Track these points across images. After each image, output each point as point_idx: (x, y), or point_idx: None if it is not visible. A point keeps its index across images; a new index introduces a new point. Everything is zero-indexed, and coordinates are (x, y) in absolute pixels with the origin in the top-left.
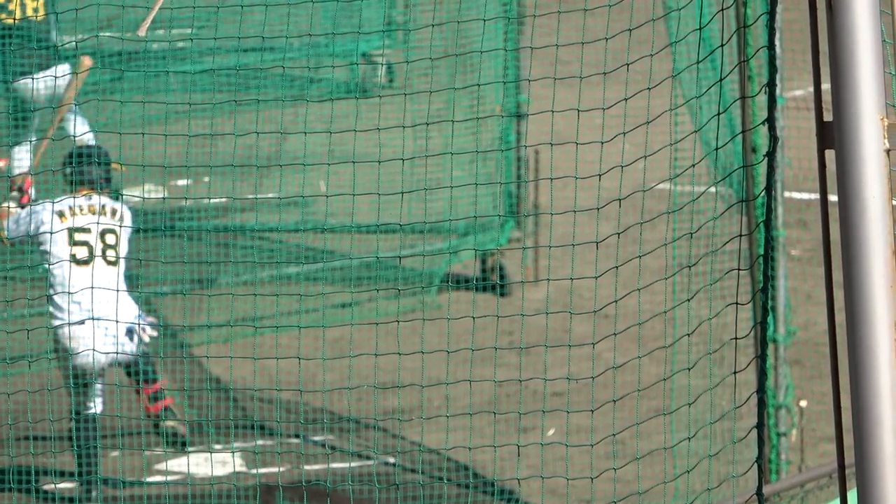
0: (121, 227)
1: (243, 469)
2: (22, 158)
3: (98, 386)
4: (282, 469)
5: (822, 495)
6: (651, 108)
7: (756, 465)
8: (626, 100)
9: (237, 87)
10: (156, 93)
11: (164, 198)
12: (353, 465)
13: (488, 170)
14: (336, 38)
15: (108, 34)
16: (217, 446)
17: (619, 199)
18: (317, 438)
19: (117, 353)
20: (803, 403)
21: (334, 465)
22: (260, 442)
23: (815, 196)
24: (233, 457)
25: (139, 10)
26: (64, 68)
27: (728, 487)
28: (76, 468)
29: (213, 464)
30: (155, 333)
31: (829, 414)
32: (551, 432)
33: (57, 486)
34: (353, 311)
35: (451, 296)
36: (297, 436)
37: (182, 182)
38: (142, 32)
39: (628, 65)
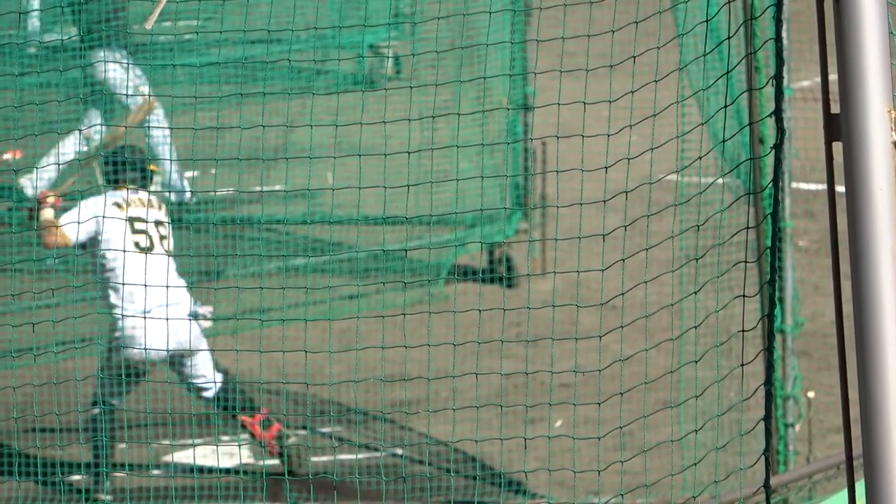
0: (168, 222)
1: (250, 461)
2: (44, 174)
3: (143, 380)
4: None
5: (830, 486)
6: (658, 99)
7: (763, 457)
8: (633, 92)
9: (243, 79)
10: (162, 85)
11: (169, 190)
12: (360, 457)
13: (495, 162)
14: (343, 30)
15: (114, 27)
16: (224, 438)
17: (626, 192)
18: (324, 430)
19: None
20: (811, 394)
21: (341, 456)
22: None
23: (823, 187)
24: (239, 449)
25: (146, 4)
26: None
27: (736, 479)
28: (91, 458)
29: (220, 455)
30: (209, 324)
31: (837, 405)
32: (558, 424)
33: (66, 477)
34: (360, 303)
35: (458, 288)
36: (304, 427)
37: (188, 174)
38: (148, 25)
39: (635, 57)
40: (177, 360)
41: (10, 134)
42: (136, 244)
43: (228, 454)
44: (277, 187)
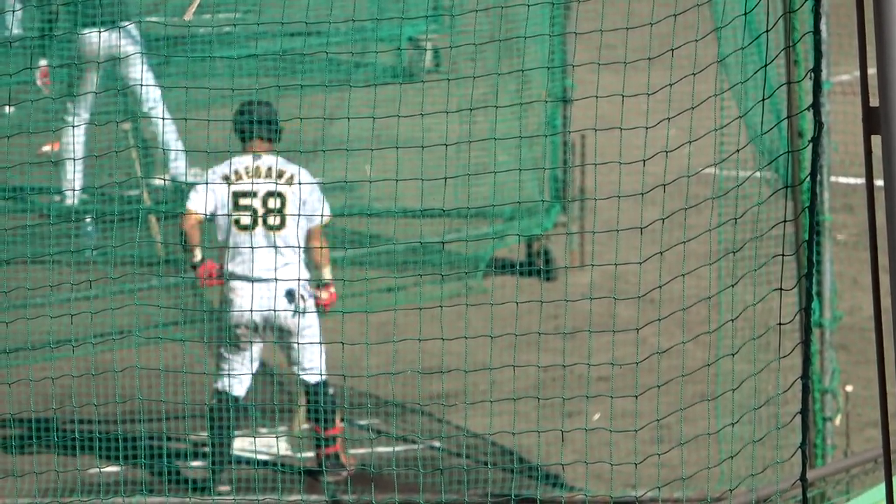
0: (292, 185)
1: (288, 453)
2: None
3: (251, 364)
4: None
5: (868, 480)
6: (696, 93)
7: (800, 450)
8: (671, 85)
9: (282, 71)
10: (201, 77)
11: (206, 182)
12: (397, 449)
13: (534, 154)
14: (381, 22)
15: (153, 19)
16: (262, 430)
17: (664, 185)
18: (361, 423)
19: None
20: (849, 388)
21: (379, 449)
22: (305, 426)
23: (862, 181)
24: (277, 441)
25: None
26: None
27: (772, 472)
28: (209, 450)
29: (258, 448)
30: (311, 303)
31: (875, 399)
32: (596, 417)
33: (100, 469)
34: (398, 296)
35: (496, 280)
36: (342, 420)
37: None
38: (188, 17)
39: (673, 50)
40: (283, 340)
41: (49, 126)
42: (237, 222)
43: (266, 446)
44: (316, 180)
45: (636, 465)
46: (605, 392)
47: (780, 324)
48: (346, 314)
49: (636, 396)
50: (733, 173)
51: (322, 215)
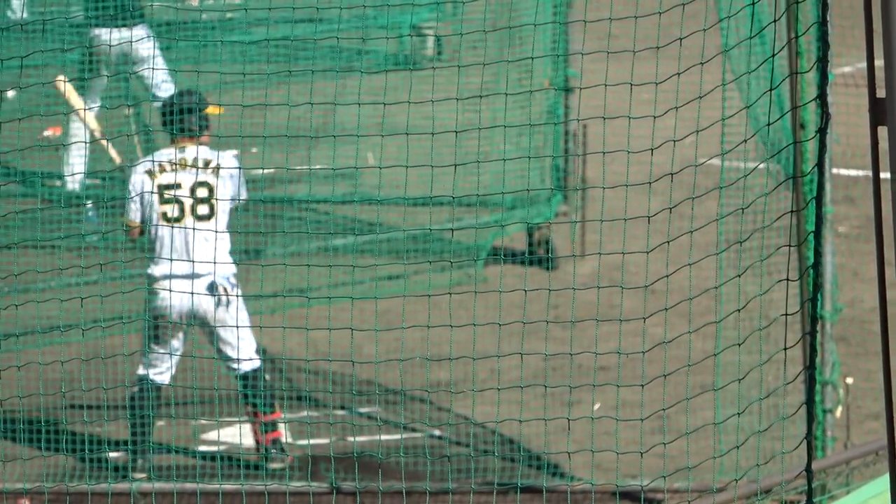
0: (216, 173)
1: (291, 440)
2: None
3: (172, 350)
4: (331, 440)
5: (868, 472)
6: (701, 83)
7: (805, 441)
8: (678, 75)
9: (287, 58)
10: (206, 63)
11: (216, 167)
12: (402, 437)
13: (536, 143)
14: (386, 9)
15: (159, 3)
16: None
17: (672, 174)
18: (365, 410)
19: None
20: (849, 380)
21: (383, 437)
22: (308, 413)
23: (863, 173)
24: (284, 428)
25: None
26: (140, 31)
27: (775, 464)
28: (129, 436)
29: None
30: (235, 294)
31: (875, 391)
32: (597, 407)
33: (109, 454)
34: (400, 284)
35: (498, 270)
36: (344, 408)
37: (232, 153)
38: (193, 2)
39: (681, 39)
40: (206, 332)
41: (51, 110)
42: (164, 214)
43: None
44: (320, 166)
45: (641, 454)
46: (609, 382)
47: (785, 314)
48: (346, 301)
49: (642, 386)
50: (738, 164)
51: (238, 199)
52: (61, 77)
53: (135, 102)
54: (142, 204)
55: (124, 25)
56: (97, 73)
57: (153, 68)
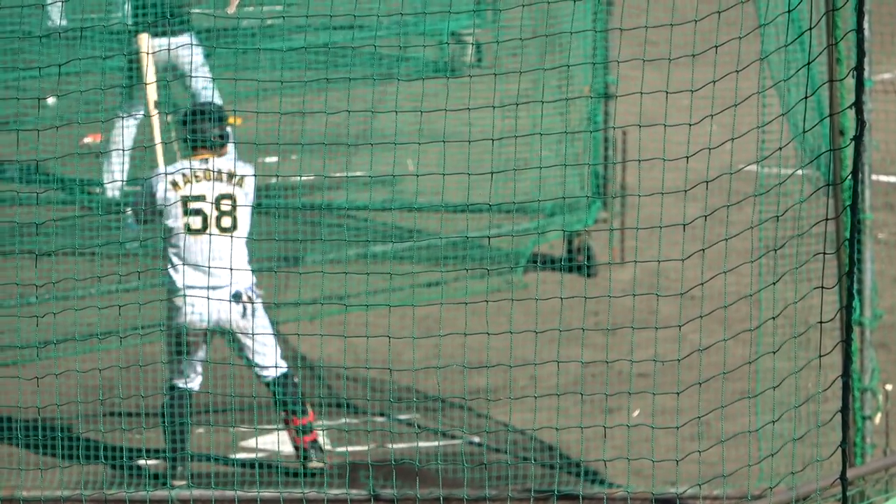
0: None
1: (330, 447)
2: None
3: (198, 358)
4: (370, 447)
5: None
6: (739, 90)
7: (840, 448)
8: (714, 82)
9: (327, 65)
10: (245, 70)
11: (253, 175)
12: (439, 444)
13: (576, 150)
14: (425, 17)
15: (198, 11)
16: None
17: (707, 181)
18: (404, 417)
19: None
20: (889, 387)
21: (421, 444)
22: (347, 420)
23: None
24: (322, 435)
25: None
26: (182, 39)
27: (812, 471)
28: (166, 444)
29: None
30: (260, 302)
31: None
32: (636, 414)
33: (146, 462)
34: (440, 291)
35: (537, 276)
36: (383, 415)
37: (271, 159)
38: (231, 10)
39: (717, 47)
40: (236, 341)
41: (92, 117)
42: (187, 226)
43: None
44: (359, 173)
45: (677, 461)
46: (647, 388)
47: (820, 322)
48: (388, 308)
49: (678, 393)
50: (775, 171)
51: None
52: (144, 35)
53: (174, 110)
54: (162, 214)
55: (171, 33)
56: (140, 80)
57: (195, 76)
